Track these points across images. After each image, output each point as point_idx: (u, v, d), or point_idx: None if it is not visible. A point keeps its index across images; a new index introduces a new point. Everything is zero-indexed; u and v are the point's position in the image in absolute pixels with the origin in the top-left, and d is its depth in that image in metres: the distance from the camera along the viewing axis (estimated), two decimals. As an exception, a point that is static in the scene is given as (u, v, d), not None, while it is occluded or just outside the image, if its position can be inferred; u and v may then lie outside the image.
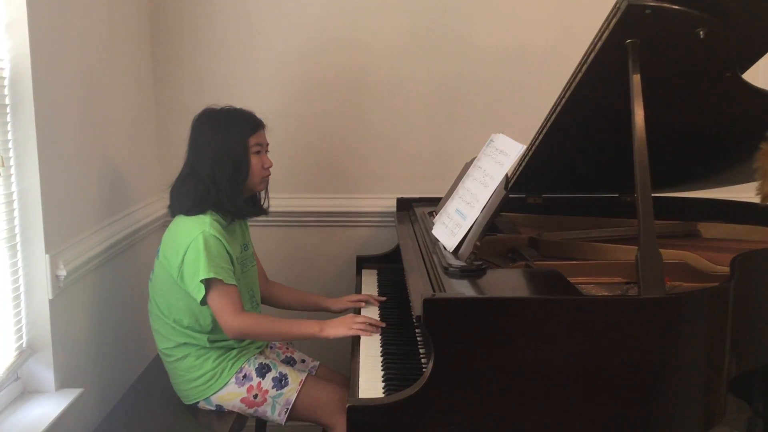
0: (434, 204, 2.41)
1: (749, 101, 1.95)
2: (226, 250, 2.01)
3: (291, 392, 2.07)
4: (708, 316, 1.62)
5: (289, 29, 2.79)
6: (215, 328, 2.06)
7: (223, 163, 2.05)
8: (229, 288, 1.99)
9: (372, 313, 2.16)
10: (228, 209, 2.08)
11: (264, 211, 2.24)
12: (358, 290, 2.43)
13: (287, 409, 2.06)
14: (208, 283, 1.96)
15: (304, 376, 2.11)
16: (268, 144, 2.16)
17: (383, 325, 2.01)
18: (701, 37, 1.69)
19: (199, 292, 1.95)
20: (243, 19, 2.79)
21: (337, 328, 2.00)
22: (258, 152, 2.11)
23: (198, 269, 1.95)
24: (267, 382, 2.08)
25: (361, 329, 1.98)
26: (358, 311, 2.20)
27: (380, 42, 2.80)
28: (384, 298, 2.29)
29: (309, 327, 2.04)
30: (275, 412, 2.07)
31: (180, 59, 2.81)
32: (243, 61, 2.81)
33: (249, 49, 2.81)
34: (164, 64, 2.82)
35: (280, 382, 2.08)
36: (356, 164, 2.90)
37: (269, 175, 2.17)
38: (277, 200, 2.27)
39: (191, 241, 1.97)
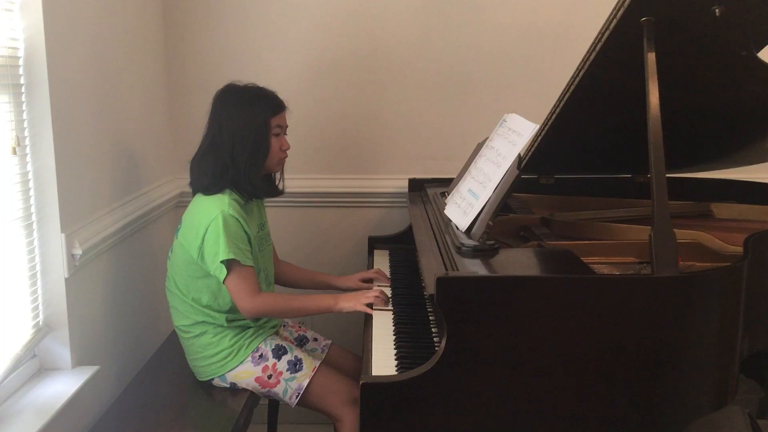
0: (446, 185, 2.40)
1: (764, 80, 1.93)
2: (245, 230, 2.02)
3: (304, 378, 2.09)
4: (721, 296, 1.62)
5: (304, 9, 2.78)
6: (233, 307, 2.07)
7: (243, 140, 2.05)
8: (247, 269, 2.00)
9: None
10: (245, 188, 2.08)
11: (280, 192, 2.24)
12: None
13: (299, 393, 2.08)
14: (228, 264, 1.97)
15: (318, 363, 2.13)
16: (287, 126, 2.16)
17: (390, 307, 2.03)
18: (717, 15, 1.67)
19: (221, 272, 1.97)
20: (256, -1, 2.78)
21: (349, 302, 2.03)
22: (278, 134, 2.11)
23: (218, 250, 1.96)
24: (282, 364, 2.10)
25: (370, 302, 2.01)
26: None
27: (393, 23, 2.78)
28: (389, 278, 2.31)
29: (324, 301, 2.08)
30: (287, 395, 2.09)
31: (193, 38, 2.81)
32: (256, 41, 2.81)
33: (263, 28, 2.79)
34: (177, 43, 2.82)
35: (295, 366, 2.10)
36: (368, 145, 2.89)
37: (286, 157, 2.17)
38: (289, 180, 2.27)
39: (211, 221, 1.98)
